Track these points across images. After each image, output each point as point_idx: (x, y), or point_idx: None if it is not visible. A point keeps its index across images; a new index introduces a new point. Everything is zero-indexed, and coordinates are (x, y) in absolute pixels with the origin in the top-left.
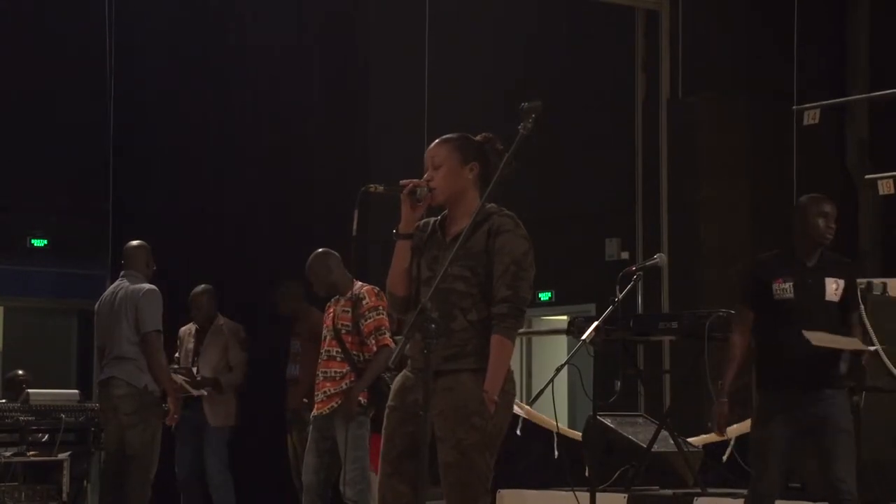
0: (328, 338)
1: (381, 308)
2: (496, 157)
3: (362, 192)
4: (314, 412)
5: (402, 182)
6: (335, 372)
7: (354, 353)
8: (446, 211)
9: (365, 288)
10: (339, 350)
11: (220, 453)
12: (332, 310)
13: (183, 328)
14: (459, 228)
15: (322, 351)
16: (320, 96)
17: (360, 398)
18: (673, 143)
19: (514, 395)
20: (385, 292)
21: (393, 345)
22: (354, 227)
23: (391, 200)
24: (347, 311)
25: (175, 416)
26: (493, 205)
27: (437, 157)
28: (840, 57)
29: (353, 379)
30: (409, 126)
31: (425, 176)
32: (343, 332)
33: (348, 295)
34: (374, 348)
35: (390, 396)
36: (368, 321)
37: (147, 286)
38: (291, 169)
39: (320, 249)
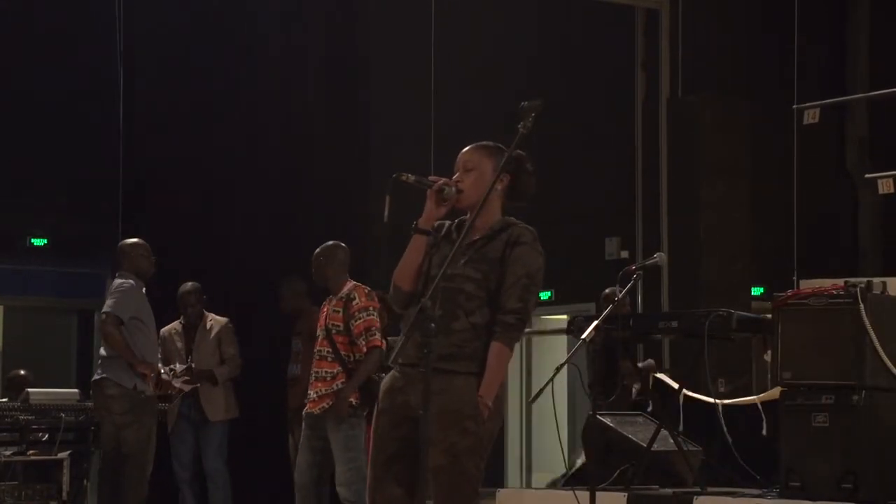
0: (320, 337)
1: (371, 309)
2: (525, 175)
3: (393, 179)
4: (305, 410)
5: (432, 178)
6: (326, 372)
7: (345, 353)
8: (465, 216)
9: (356, 288)
10: (331, 350)
11: (219, 449)
12: (325, 309)
13: (165, 328)
14: (476, 234)
15: (314, 351)
16: (322, 97)
17: (352, 399)
18: (673, 142)
19: (504, 401)
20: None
21: (383, 345)
22: (385, 213)
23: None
24: (338, 311)
25: (151, 382)
26: (512, 217)
27: (471, 161)
28: (840, 56)
29: (344, 379)
30: (409, 125)
31: (455, 177)
32: (334, 332)
33: (340, 294)
34: (365, 349)
35: (379, 398)
36: (358, 322)
37: (122, 280)
38: (294, 168)
39: (332, 242)
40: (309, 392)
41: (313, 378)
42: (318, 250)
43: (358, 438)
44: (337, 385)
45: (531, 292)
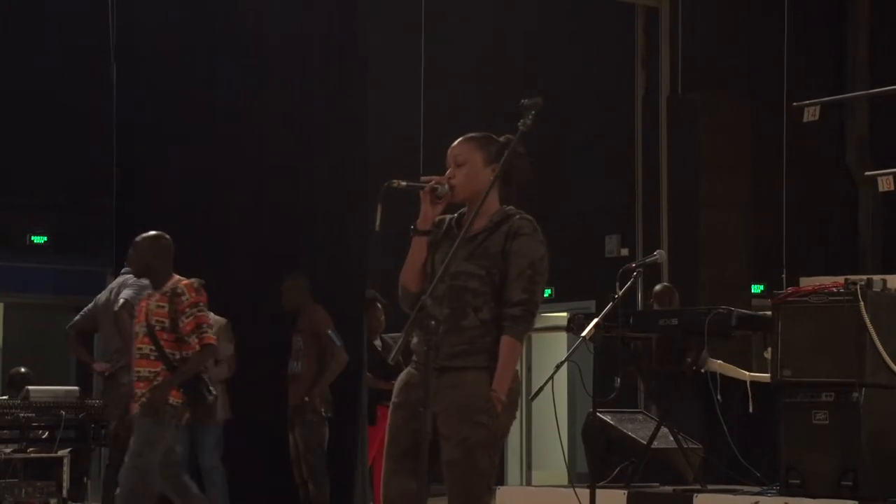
0: (140, 334)
1: (201, 304)
2: (518, 159)
3: (385, 187)
4: (133, 413)
5: (424, 179)
6: (149, 372)
7: (170, 351)
8: (464, 209)
9: (183, 283)
10: (153, 348)
11: (215, 447)
12: (144, 304)
13: None
14: (477, 228)
15: (133, 349)
16: (323, 94)
17: (172, 397)
18: (673, 140)
19: (519, 394)
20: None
21: (216, 342)
22: (377, 221)
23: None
24: (163, 307)
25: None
26: (511, 207)
27: (461, 155)
28: (840, 54)
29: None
30: (407, 123)
31: (447, 173)
32: (158, 328)
33: (163, 289)
34: (197, 346)
35: (394, 393)
36: (189, 318)
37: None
38: (293, 165)
39: (154, 232)
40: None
41: (135, 378)
42: (139, 239)
43: (161, 437)
44: None
45: (536, 282)
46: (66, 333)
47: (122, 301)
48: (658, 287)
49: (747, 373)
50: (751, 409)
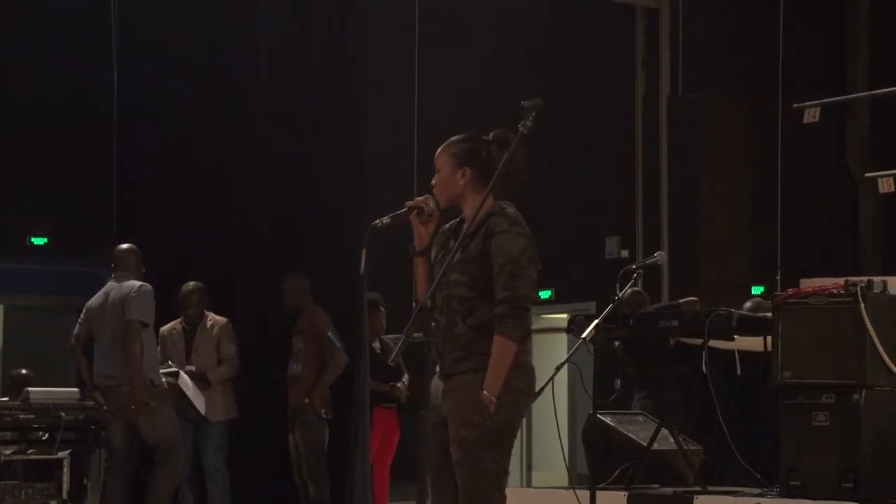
0: None
1: None
2: (510, 155)
3: (370, 231)
4: None
5: (408, 204)
6: None
7: None
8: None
9: None
10: None
11: (218, 448)
12: None
13: (164, 328)
14: (467, 232)
15: None
16: (322, 97)
17: None
18: (673, 141)
19: (524, 392)
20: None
21: None
22: (363, 266)
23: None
24: None
25: (135, 409)
26: (497, 203)
27: (438, 162)
28: (840, 54)
29: None
30: (406, 123)
31: (432, 181)
32: None
33: None
34: None
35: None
36: None
37: (140, 283)
38: (293, 165)
39: None
40: None
41: None
42: None
43: None
44: None
45: (517, 276)
46: (69, 347)
47: (133, 321)
48: (628, 292)
49: (735, 344)
50: (738, 371)
